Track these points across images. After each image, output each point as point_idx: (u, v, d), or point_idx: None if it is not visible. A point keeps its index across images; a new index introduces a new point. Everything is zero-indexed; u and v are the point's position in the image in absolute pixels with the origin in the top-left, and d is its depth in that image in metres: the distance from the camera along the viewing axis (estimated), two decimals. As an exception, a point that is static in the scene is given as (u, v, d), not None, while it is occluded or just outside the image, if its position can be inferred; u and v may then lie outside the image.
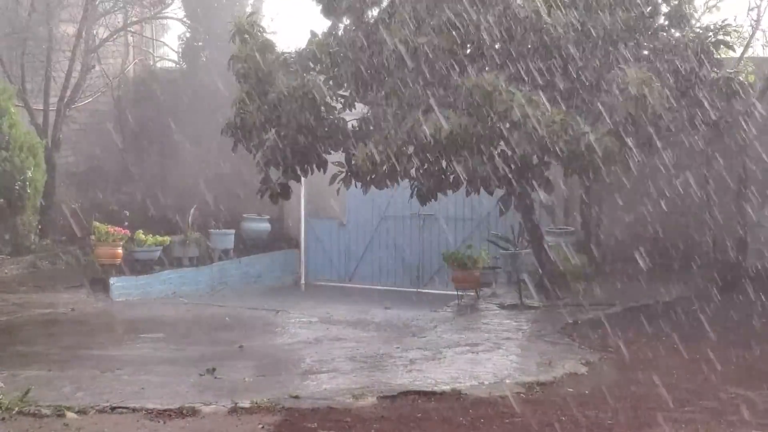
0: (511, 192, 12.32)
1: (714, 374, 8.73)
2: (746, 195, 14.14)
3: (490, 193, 12.17)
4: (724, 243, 14.17)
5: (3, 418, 7.02)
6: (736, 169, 14.19)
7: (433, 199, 12.32)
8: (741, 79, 12.40)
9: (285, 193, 12.75)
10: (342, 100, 12.50)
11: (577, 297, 12.90)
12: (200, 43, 18.50)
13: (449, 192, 12.30)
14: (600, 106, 11.12)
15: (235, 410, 7.42)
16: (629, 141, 11.25)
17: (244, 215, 17.45)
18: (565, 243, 14.49)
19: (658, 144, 11.87)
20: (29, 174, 14.74)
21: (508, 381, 8.62)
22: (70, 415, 7.21)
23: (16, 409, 7.21)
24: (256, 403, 7.55)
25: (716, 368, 8.93)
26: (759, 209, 14.20)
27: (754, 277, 13.33)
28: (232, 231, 17.09)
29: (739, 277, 13.50)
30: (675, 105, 11.43)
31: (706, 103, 12.03)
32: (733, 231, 14.18)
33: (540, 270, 13.50)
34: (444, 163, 11.67)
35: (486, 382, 8.56)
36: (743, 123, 13.53)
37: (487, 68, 11.13)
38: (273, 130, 12.18)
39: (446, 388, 8.28)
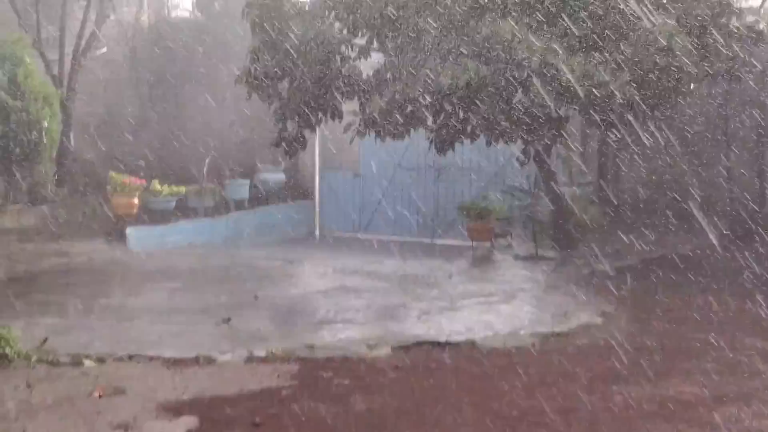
0: (530, 143, 12.22)
1: (730, 325, 8.71)
2: (765, 145, 14.02)
3: (509, 144, 12.08)
4: (741, 194, 14.06)
5: (22, 366, 7.08)
6: (755, 119, 14.05)
7: (450, 150, 12.23)
8: (761, 27, 12.22)
9: (300, 143, 12.71)
10: (357, 49, 12.40)
11: (592, 248, 12.85)
12: (215, -8, 18.35)
13: (466, 142, 12.22)
14: (620, 56, 10.97)
15: (250, 359, 7.46)
16: (648, 91, 11.15)
17: (259, 166, 17.42)
18: (581, 194, 14.44)
19: (680, 94, 11.74)
20: (45, 124, 14.72)
21: (522, 332, 8.63)
22: (87, 363, 7.27)
23: (35, 357, 7.27)
24: (272, 353, 7.59)
25: (732, 319, 8.92)
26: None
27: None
28: (247, 181, 17.09)
29: (756, 229, 13.42)
30: (697, 54, 11.28)
31: (726, 52, 11.87)
32: (751, 182, 14.07)
33: (556, 221, 13.46)
34: (462, 113, 11.58)
35: (500, 333, 8.57)
36: (763, 72, 13.38)
37: (506, 17, 10.99)
38: (288, 80, 12.11)
39: (460, 338, 8.29)
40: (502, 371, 7.23)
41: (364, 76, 12.19)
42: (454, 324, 9.02)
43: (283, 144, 12.64)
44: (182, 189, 15.93)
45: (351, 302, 10.53)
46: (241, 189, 16.97)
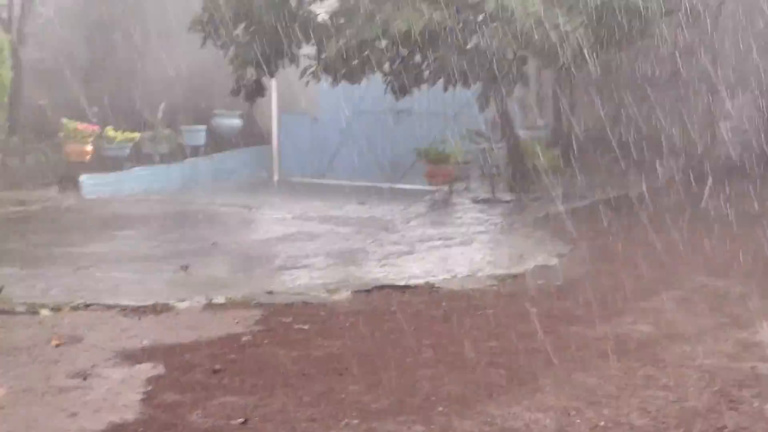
0: (488, 87, 12.23)
1: (681, 264, 8.85)
2: (716, 87, 14.12)
3: (468, 88, 12.08)
4: (693, 136, 14.21)
5: (-23, 316, 7.03)
6: (707, 62, 14.14)
7: (407, 94, 12.21)
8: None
9: (259, 90, 12.59)
10: (313, -8, 12.27)
11: (549, 190, 12.94)
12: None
13: (424, 86, 12.20)
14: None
15: (209, 306, 7.46)
16: (604, 33, 11.19)
17: (215, 111, 17.22)
18: (537, 137, 14.52)
19: (635, 34, 11.81)
20: (-5, 70, 14.47)
21: (480, 274, 8.71)
22: (44, 312, 7.22)
23: (-10, 306, 7.21)
24: (231, 299, 7.59)
25: (684, 258, 9.05)
26: (727, 101, 14.20)
27: (721, 168, 13.43)
28: (203, 127, 16.92)
29: (706, 169, 13.59)
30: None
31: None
32: (703, 124, 14.21)
33: (513, 164, 13.52)
34: (419, 57, 11.55)
35: (459, 276, 8.65)
36: (716, 12, 13.47)
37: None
38: (243, 25, 11.94)
39: (420, 281, 8.35)
40: (460, 313, 7.29)
41: (320, 19, 12.09)
42: (413, 267, 9.07)
43: (242, 92, 12.50)
44: (136, 135, 15.76)
45: (310, 247, 10.53)
46: (197, 135, 16.81)
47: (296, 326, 6.89)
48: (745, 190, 12.10)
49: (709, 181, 12.71)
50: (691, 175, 13.31)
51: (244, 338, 6.57)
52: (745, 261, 8.87)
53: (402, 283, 8.30)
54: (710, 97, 14.20)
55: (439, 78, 11.70)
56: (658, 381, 5.62)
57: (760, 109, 13.84)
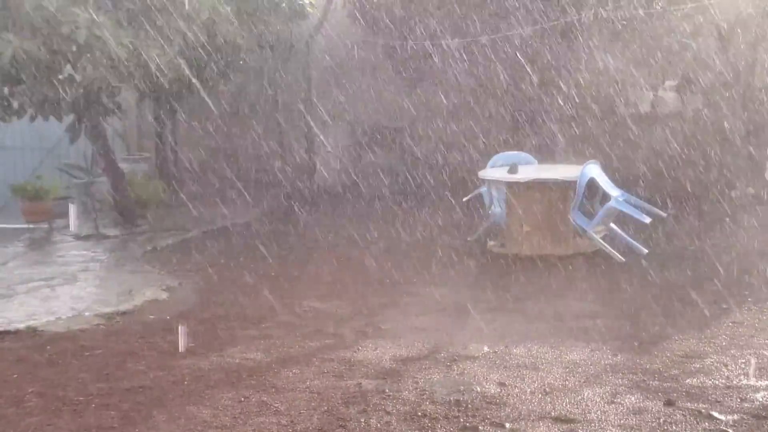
0: (80, 119, 11.90)
1: (289, 290, 9.15)
2: (311, 116, 14.84)
3: (59, 120, 11.68)
4: (294, 166, 14.82)
5: None
6: (300, 92, 14.82)
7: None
8: (301, 2, 12.92)
9: None
10: None
11: (155, 224, 12.85)
12: None
13: (14, 119, 11.62)
14: (169, 30, 10.96)
15: None
16: (203, 64, 11.38)
17: None
18: (140, 170, 14.36)
19: (229, 66, 12.13)
20: None
21: (87, 314, 8.42)
22: None
23: None
24: None
25: (290, 285, 9.38)
26: (323, 131, 14.99)
27: (320, 197, 14.15)
28: None
29: (309, 197, 14.25)
30: (244, 29, 11.66)
31: (272, 27, 12.40)
32: (302, 154, 14.87)
33: (116, 198, 13.24)
34: (6, 89, 10.99)
35: (64, 317, 8.29)
36: (307, 44, 14.19)
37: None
38: None
39: (21, 326, 7.91)
40: (67, 356, 7.01)
41: None
42: (12, 312, 8.54)
43: None
44: None
45: None
46: None
47: None
48: (342, 217, 12.84)
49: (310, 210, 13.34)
50: (293, 203, 13.87)
51: None
52: (344, 284, 9.39)
53: (0, 328, 7.80)
54: (307, 128, 14.88)
55: (28, 110, 11.22)
56: (270, 407, 5.76)
57: (354, 138, 14.75)
